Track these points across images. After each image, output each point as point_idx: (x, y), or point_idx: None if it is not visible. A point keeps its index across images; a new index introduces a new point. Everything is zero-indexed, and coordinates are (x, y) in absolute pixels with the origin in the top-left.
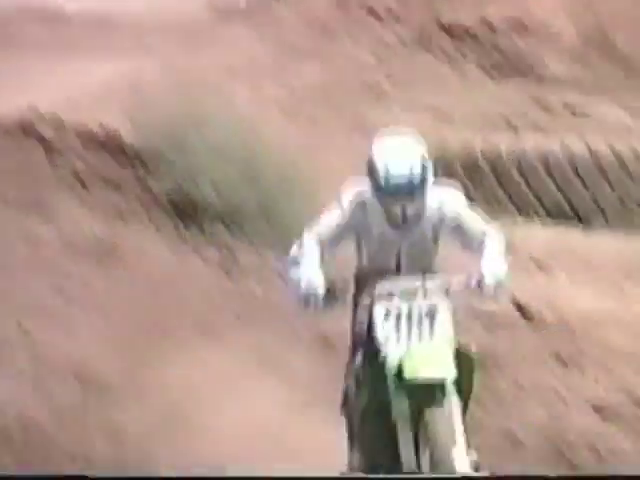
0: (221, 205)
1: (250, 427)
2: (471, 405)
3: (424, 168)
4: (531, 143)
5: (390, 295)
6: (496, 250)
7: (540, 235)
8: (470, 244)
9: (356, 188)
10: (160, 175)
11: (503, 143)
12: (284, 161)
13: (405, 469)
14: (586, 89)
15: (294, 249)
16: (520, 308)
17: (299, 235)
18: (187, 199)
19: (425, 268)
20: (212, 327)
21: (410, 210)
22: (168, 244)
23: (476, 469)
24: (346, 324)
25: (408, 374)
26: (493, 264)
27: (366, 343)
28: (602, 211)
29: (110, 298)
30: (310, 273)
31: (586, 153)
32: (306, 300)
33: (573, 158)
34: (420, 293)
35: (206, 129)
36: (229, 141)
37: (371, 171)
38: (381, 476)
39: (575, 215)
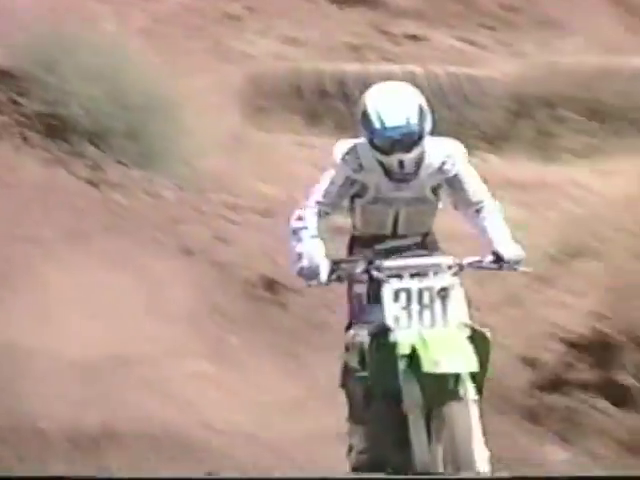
0: (90, 124)
1: (114, 327)
2: None
3: (422, 118)
4: (375, 68)
5: (399, 273)
6: (499, 222)
7: None
8: (465, 205)
9: (349, 145)
10: (32, 96)
11: (349, 68)
12: (148, 83)
13: (417, 462)
14: (427, 20)
15: (295, 219)
16: None
17: (162, 152)
18: (58, 118)
19: (422, 232)
20: (81, 235)
21: (408, 162)
22: (40, 160)
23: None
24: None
25: (426, 367)
26: (506, 241)
27: (366, 317)
28: (440, 130)
29: None
30: (311, 249)
31: (425, 78)
32: (307, 276)
33: (414, 82)
34: (431, 272)
35: (75, 53)
36: (97, 64)
37: (365, 123)
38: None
39: None
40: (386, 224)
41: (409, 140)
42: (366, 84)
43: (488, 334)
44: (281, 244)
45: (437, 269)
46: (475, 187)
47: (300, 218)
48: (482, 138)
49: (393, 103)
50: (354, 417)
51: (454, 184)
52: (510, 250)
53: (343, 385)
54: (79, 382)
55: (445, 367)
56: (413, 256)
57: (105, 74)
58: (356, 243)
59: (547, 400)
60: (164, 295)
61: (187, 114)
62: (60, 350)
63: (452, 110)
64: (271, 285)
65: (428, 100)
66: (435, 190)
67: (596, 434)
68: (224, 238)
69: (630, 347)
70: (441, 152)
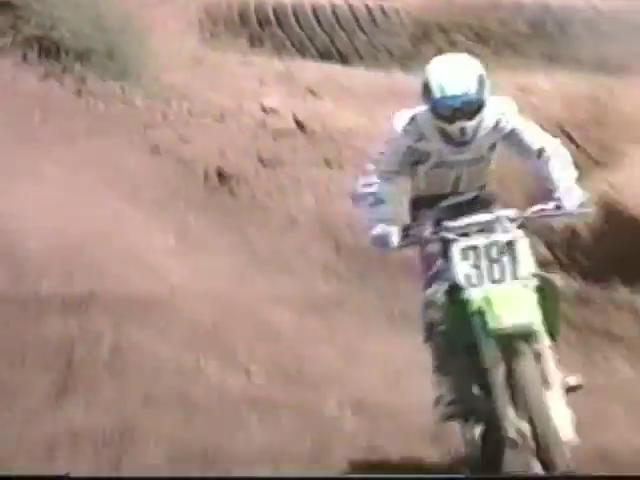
0: (76, 45)
1: (96, 211)
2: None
3: (481, 87)
4: (309, 0)
5: (467, 231)
6: (563, 166)
7: (313, 69)
8: (527, 155)
9: (408, 115)
10: (29, 21)
11: (287, 0)
12: (123, 12)
13: (499, 412)
14: None
15: (363, 190)
16: (298, 124)
17: (135, 68)
18: (50, 40)
19: (481, 185)
20: (70, 137)
21: (469, 129)
22: (36, 75)
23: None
24: None
25: (491, 324)
26: (568, 185)
27: (443, 275)
28: (357, 51)
29: None
30: (383, 217)
31: (346, 8)
32: (379, 244)
33: (335, 9)
34: (498, 227)
35: None
36: None
37: (426, 93)
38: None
39: (338, 54)
40: (448, 184)
41: (469, 108)
42: (299, 13)
43: (557, 281)
44: (230, 143)
45: (502, 223)
46: (533, 136)
47: (367, 185)
48: (390, 57)
49: (453, 74)
50: (439, 370)
51: (512, 138)
52: (572, 198)
53: (427, 340)
54: (69, 255)
55: (506, 323)
56: (477, 212)
57: (88, 3)
58: (418, 203)
59: None
60: (136, 186)
61: (155, 38)
62: (53, 229)
63: (366, 35)
64: (222, 176)
65: (348, 25)
66: (491, 147)
67: None
68: (186, 139)
69: None
70: (494, 112)
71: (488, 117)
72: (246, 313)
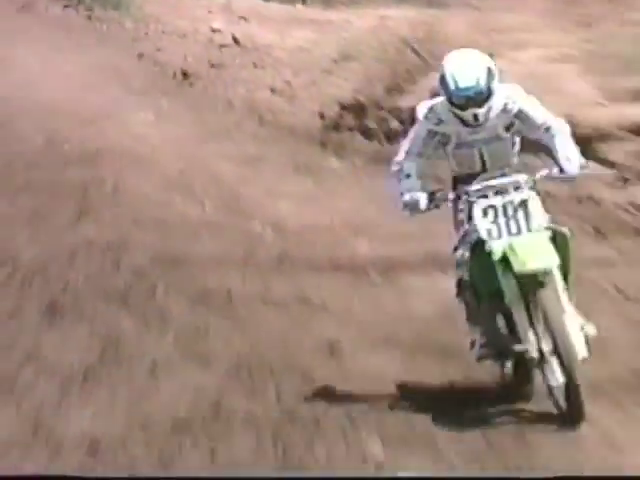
0: None
1: (101, 97)
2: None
3: (489, 78)
4: None
5: (485, 194)
6: (565, 138)
7: (245, 2)
8: (535, 131)
9: (428, 105)
10: None
11: None
12: None
13: (523, 341)
14: None
15: (394, 167)
16: (235, 40)
17: (126, 2)
18: None
19: (506, 164)
20: (82, 46)
21: (480, 115)
22: (60, 5)
23: (587, 341)
24: None
25: (517, 267)
26: (571, 152)
27: (469, 237)
28: None
29: None
30: (409, 186)
31: None
32: (410, 208)
33: None
34: (511, 188)
35: None
36: None
37: (443, 85)
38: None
39: None
40: (475, 163)
41: (480, 97)
42: None
43: (567, 233)
44: (190, 52)
45: (515, 185)
46: (538, 113)
47: (397, 165)
48: None
49: (465, 67)
50: (471, 319)
51: (521, 117)
52: (572, 164)
53: (458, 295)
54: (84, 124)
55: (531, 265)
56: (495, 178)
57: None
58: (457, 182)
59: None
60: (128, 80)
61: None
62: (73, 107)
63: None
64: (185, 74)
65: None
66: (508, 128)
67: None
68: (160, 49)
69: None
70: (502, 96)
71: (497, 101)
72: (202, 165)
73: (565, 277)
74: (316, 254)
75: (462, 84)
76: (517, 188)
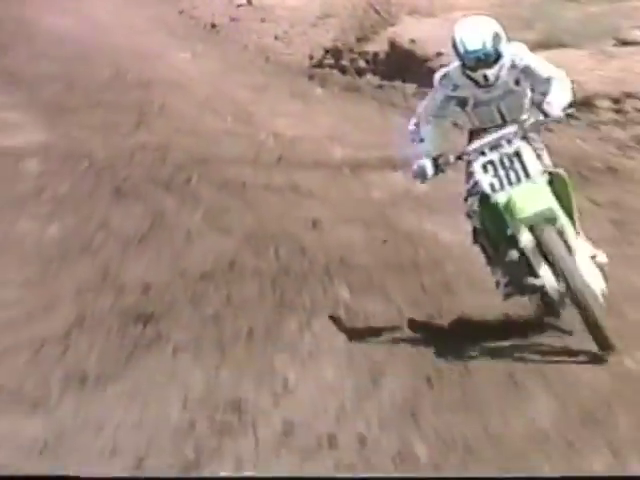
0: None
1: (141, 42)
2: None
3: (496, 41)
4: None
5: (482, 150)
6: (558, 86)
7: None
8: (540, 85)
9: (443, 71)
10: None
11: None
12: None
13: (539, 277)
14: None
15: (412, 124)
16: (249, 2)
17: None
18: None
19: (521, 114)
20: (133, 2)
21: (490, 75)
22: None
23: (601, 268)
24: None
25: (518, 215)
26: (554, 97)
27: (476, 189)
28: None
29: None
30: (422, 152)
31: None
32: (418, 176)
33: None
34: (504, 142)
35: None
36: None
37: (455, 49)
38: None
39: None
40: (495, 117)
41: (488, 59)
42: None
43: (563, 174)
44: (217, 12)
45: (507, 138)
46: (542, 67)
47: (414, 124)
48: None
49: (472, 32)
50: (491, 262)
51: (527, 71)
52: (553, 107)
53: (475, 242)
54: (132, 57)
55: (528, 212)
56: (487, 135)
57: None
58: (472, 135)
59: None
60: (172, 29)
61: None
62: (117, 41)
63: None
64: (213, 25)
65: None
66: (518, 82)
67: None
68: (195, 6)
69: None
70: (509, 54)
71: (506, 60)
72: (224, 91)
73: (570, 214)
74: (305, 156)
75: (470, 47)
76: (509, 141)
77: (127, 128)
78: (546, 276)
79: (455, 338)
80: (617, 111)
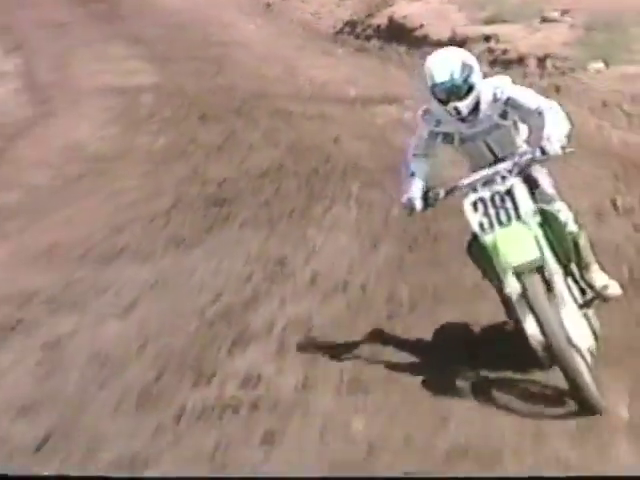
0: None
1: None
2: None
3: (465, 72)
4: None
5: (474, 187)
6: (553, 119)
7: None
8: (530, 117)
9: (425, 107)
10: None
11: None
12: None
13: (523, 328)
14: None
15: (403, 162)
16: None
17: None
18: None
19: (514, 149)
20: None
21: (462, 108)
22: None
23: (594, 320)
24: None
25: (501, 262)
26: (550, 131)
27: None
28: None
29: None
30: (408, 187)
31: None
32: (407, 208)
33: None
34: (497, 178)
35: None
36: None
37: (425, 82)
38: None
39: None
40: (485, 154)
41: (458, 91)
42: None
43: (557, 213)
44: None
45: (501, 174)
46: (529, 99)
47: (405, 163)
48: None
49: (440, 64)
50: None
51: (512, 104)
52: (552, 144)
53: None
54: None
55: (513, 258)
56: (480, 171)
57: None
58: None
59: None
60: (240, 7)
61: None
62: (212, 18)
63: None
64: (268, 4)
65: None
66: (504, 116)
67: None
68: None
69: None
70: (490, 88)
71: (485, 93)
72: (276, 51)
73: (567, 255)
74: (330, 94)
75: (438, 79)
76: (503, 177)
77: (210, 74)
78: (531, 328)
79: (427, 220)
80: (540, 67)
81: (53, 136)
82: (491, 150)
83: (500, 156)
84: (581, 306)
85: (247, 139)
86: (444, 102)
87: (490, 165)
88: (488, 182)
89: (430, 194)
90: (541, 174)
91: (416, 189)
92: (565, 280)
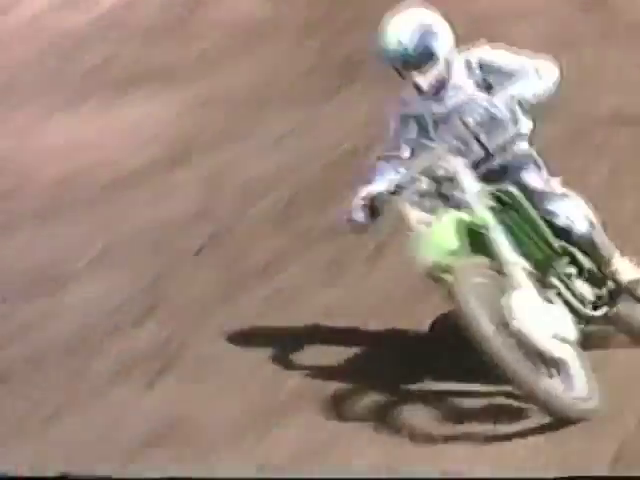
0: None
1: None
2: None
3: (424, 37)
4: None
5: (412, 180)
6: (522, 80)
7: None
8: (511, 77)
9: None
10: None
11: None
12: None
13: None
14: None
15: (375, 166)
16: None
17: None
18: None
19: (511, 140)
20: None
21: (422, 83)
22: None
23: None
24: None
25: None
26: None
27: None
28: None
29: None
30: (356, 204)
31: None
32: (351, 227)
33: None
34: (436, 162)
35: None
36: None
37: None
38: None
39: None
40: (470, 143)
41: (412, 60)
42: None
43: (511, 189)
44: None
45: (441, 158)
46: (510, 59)
47: (375, 167)
48: None
49: (394, 27)
50: None
51: (487, 68)
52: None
53: None
54: None
55: (419, 266)
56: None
57: None
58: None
59: None
60: None
61: None
62: None
63: None
64: None
65: None
66: (488, 87)
67: None
68: None
69: None
70: (462, 55)
71: (458, 64)
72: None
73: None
74: None
75: (388, 45)
76: (444, 160)
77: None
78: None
79: None
80: None
81: None
82: (477, 139)
83: (491, 150)
84: (595, 306)
85: None
86: (401, 73)
87: (481, 162)
88: (427, 169)
89: (376, 202)
90: (530, 174)
91: (358, 198)
92: (550, 272)
